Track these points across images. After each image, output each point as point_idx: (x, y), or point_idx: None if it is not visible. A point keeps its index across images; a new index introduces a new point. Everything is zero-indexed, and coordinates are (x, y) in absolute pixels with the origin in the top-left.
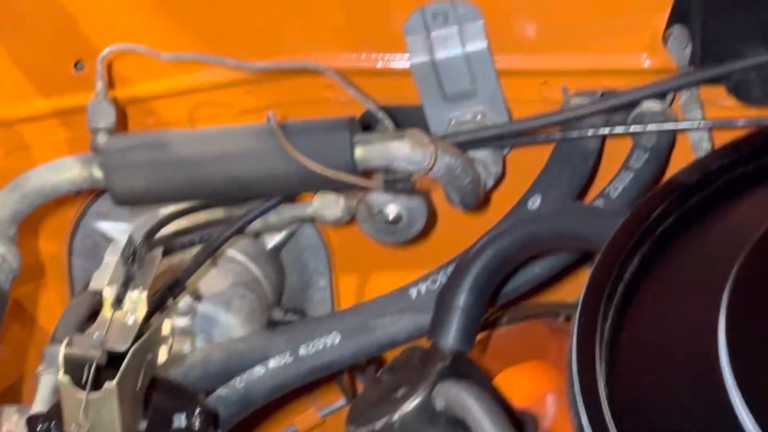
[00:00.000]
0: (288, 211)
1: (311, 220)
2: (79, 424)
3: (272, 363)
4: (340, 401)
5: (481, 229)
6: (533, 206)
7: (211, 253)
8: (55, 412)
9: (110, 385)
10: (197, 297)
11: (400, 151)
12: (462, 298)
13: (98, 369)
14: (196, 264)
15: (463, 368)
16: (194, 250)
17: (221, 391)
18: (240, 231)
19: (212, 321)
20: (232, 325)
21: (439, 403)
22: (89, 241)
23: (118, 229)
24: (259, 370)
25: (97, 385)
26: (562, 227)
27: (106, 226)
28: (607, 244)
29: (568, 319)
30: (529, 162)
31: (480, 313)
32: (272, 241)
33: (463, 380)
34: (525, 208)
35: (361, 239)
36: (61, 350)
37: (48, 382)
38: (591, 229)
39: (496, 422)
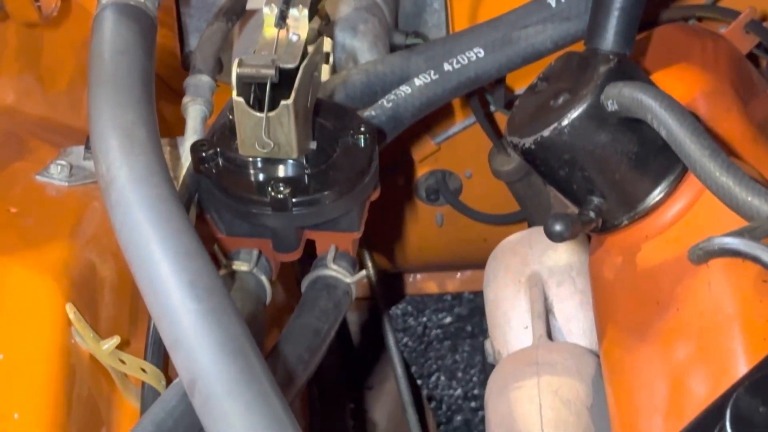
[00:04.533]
0: None
1: None
2: (263, 143)
3: (418, 81)
4: (456, 126)
5: None
6: None
7: None
8: (218, 139)
9: (287, 101)
10: (327, 20)
11: None
12: None
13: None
14: None
15: (628, 70)
16: None
17: (370, 112)
18: None
19: (341, 47)
20: (359, 49)
21: (611, 105)
22: None
23: None
24: (405, 89)
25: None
26: None
27: None
28: None
29: (700, 19)
30: None
31: (639, 14)
32: None
33: (634, 80)
34: None
35: None
36: (233, 71)
37: (197, 113)
38: None
39: (678, 116)
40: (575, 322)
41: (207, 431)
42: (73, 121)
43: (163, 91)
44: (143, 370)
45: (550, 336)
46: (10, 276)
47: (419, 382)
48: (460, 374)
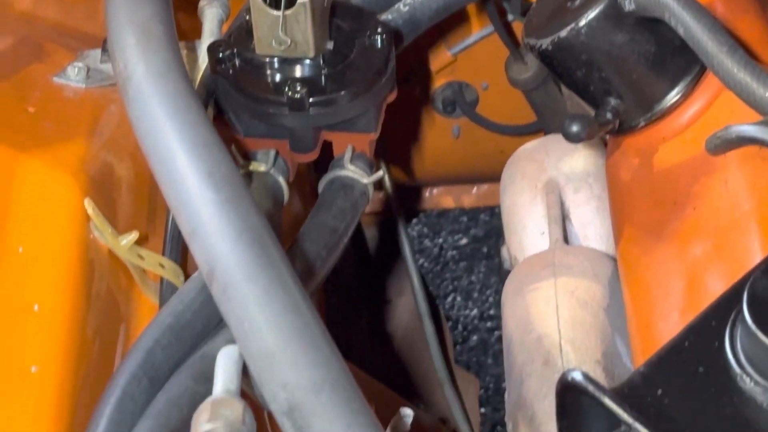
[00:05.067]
0: None
1: None
2: (280, 41)
3: None
4: (473, 36)
5: None
6: None
7: None
8: (235, 39)
9: (304, 0)
10: None
11: None
12: None
13: None
14: None
15: None
16: None
17: (387, 16)
18: None
19: None
20: None
21: (628, 5)
22: None
23: None
24: None
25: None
26: None
27: None
28: None
29: None
30: None
31: None
32: None
33: None
34: None
35: None
36: None
37: (213, 15)
38: None
39: (696, 13)
40: (592, 227)
41: (226, 319)
42: (89, 27)
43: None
44: (162, 266)
45: (566, 241)
46: (28, 172)
47: (443, 309)
48: (476, 295)
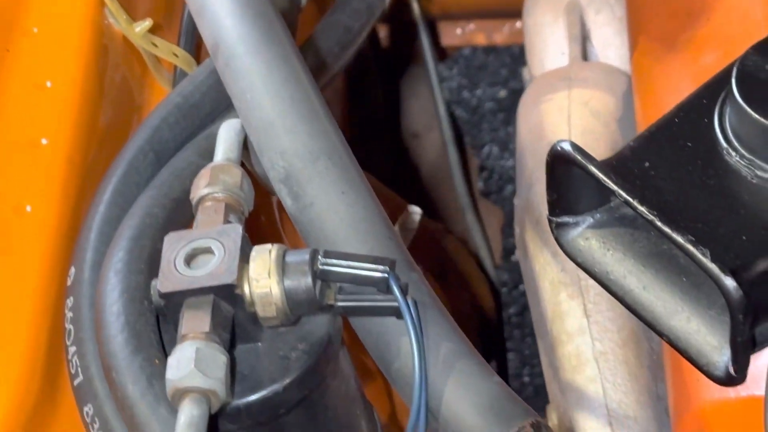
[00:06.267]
0: None
1: None
2: None
3: None
4: None
5: None
6: None
7: None
8: None
9: None
10: None
11: None
12: None
13: None
14: None
15: None
16: None
17: None
18: None
19: None
20: None
21: None
22: None
23: None
24: None
25: None
26: None
27: None
28: None
29: None
30: None
31: None
32: None
33: None
34: None
35: None
36: None
37: None
38: None
39: None
40: (612, 48)
41: (229, 91)
42: None
43: None
44: (175, 55)
45: (585, 60)
46: None
47: (472, 152)
48: (512, 145)
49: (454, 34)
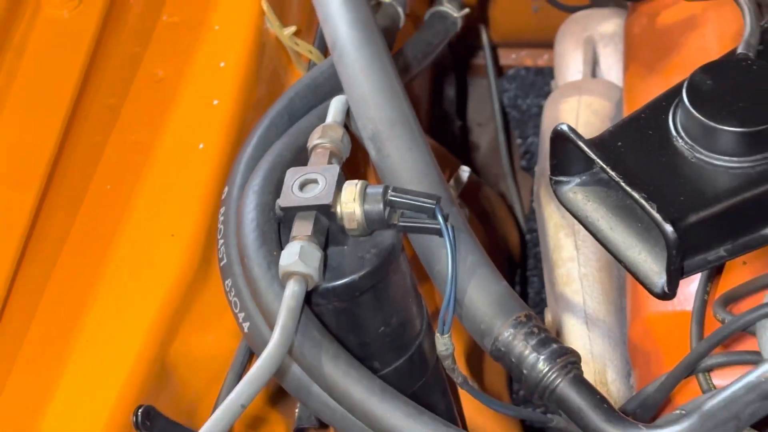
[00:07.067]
0: None
1: None
2: None
3: None
4: None
5: None
6: None
7: None
8: None
9: None
10: None
11: None
12: None
13: None
14: None
15: None
16: None
17: None
18: None
19: None
20: None
21: None
22: None
23: None
24: None
25: None
26: None
27: None
28: None
29: None
30: None
31: None
32: None
33: None
34: None
35: None
36: None
37: None
38: None
39: None
40: (614, 71)
41: (340, 76)
42: None
43: None
44: (310, 51)
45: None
46: None
47: (519, 141)
48: None
49: (509, 57)
